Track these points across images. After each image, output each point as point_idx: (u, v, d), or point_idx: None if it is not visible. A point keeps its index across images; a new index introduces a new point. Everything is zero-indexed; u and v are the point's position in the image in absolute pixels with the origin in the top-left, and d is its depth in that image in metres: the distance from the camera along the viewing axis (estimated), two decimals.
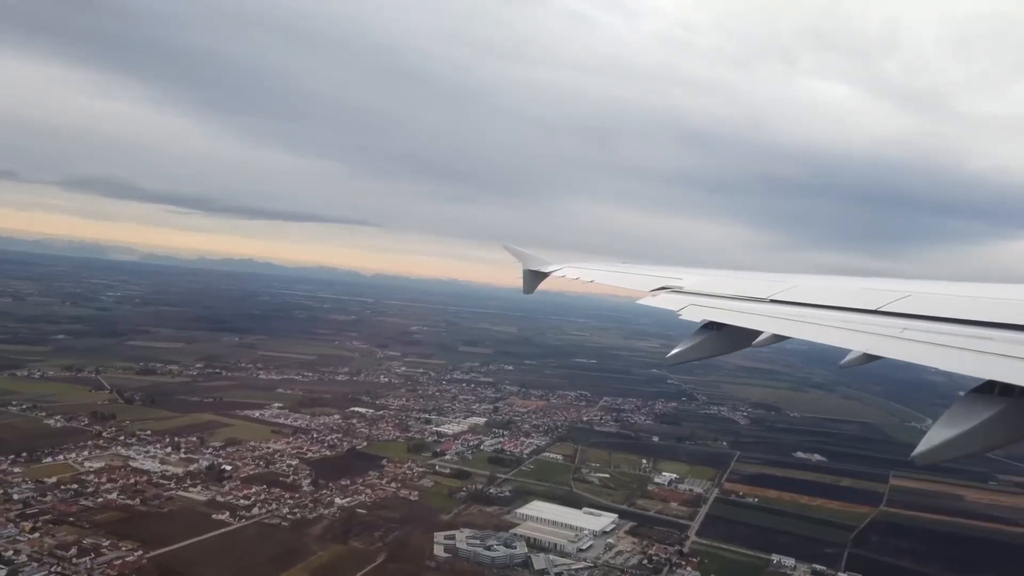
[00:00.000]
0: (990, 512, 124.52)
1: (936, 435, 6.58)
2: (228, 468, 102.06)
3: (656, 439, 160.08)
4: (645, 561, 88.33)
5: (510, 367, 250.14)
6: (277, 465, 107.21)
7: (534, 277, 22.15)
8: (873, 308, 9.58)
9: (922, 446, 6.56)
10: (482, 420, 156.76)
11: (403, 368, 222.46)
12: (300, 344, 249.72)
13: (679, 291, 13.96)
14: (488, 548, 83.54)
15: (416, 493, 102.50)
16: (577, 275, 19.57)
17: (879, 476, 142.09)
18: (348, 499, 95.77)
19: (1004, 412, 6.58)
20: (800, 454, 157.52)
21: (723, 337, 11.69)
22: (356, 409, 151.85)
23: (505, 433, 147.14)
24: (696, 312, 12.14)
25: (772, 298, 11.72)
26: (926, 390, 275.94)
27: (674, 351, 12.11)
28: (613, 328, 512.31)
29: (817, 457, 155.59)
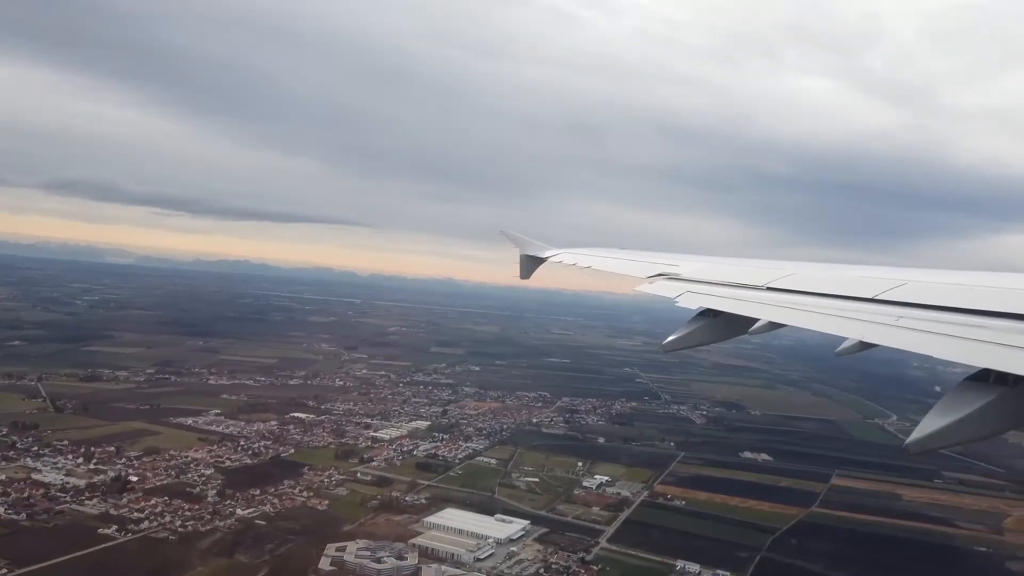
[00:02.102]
0: (925, 512, 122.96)
1: (930, 424, 6.56)
2: (134, 479, 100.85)
3: (602, 440, 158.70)
4: (543, 570, 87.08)
5: (477, 368, 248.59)
6: (189, 475, 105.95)
7: (531, 262, 22.20)
8: (869, 296, 9.63)
9: (915, 434, 6.54)
10: (425, 424, 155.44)
11: (364, 371, 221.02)
12: (266, 347, 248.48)
13: (676, 278, 14.07)
14: (377, 560, 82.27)
15: (326, 502, 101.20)
16: (574, 261, 19.60)
17: (821, 476, 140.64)
18: (251, 510, 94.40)
19: (998, 400, 6.62)
20: (747, 454, 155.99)
21: (719, 324, 11.79)
22: (296, 414, 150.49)
23: (445, 437, 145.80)
24: (693, 299, 12.22)
25: (769, 286, 11.79)
26: (903, 386, 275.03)
27: (670, 338, 12.16)
28: (601, 326, 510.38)
29: (764, 457, 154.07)
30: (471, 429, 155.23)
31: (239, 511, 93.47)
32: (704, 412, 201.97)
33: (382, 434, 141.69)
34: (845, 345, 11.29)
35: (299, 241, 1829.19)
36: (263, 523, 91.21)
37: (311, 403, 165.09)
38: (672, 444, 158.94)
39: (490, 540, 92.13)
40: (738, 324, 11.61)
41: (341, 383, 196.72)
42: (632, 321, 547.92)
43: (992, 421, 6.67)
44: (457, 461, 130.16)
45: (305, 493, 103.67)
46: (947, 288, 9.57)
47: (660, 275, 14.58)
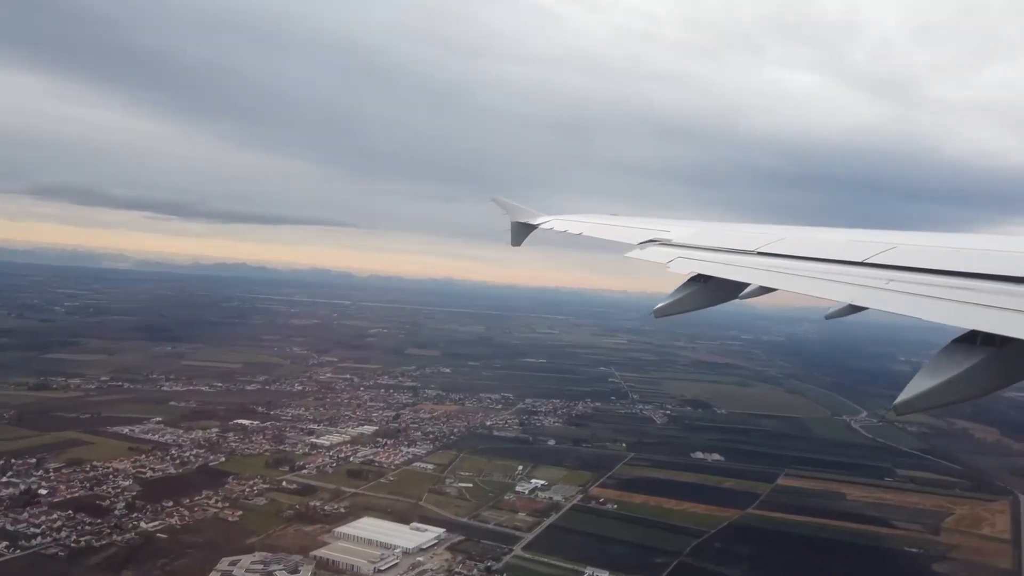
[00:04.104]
0: (865, 512, 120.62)
1: (917, 384, 6.70)
2: (44, 492, 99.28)
3: (552, 443, 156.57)
4: None
5: (447, 370, 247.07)
6: (104, 487, 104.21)
7: (522, 229, 22.21)
8: (859, 260, 9.71)
9: (904, 395, 6.68)
10: (373, 429, 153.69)
11: (328, 374, 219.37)
12: (235, 351, 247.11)
13: (667, 244, 14.07)
14: (269, 574, 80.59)
15: (240, 513, 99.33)
16: (565, 227, 19.70)
17: (768, 475, 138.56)
18: (156, 523, 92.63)
19: (985, 361, 6.76)
20: (698, 454, 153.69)
21: (710, 289, 11.79)
22: (240, 421, 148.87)
23: (388, 442, 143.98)
24: (684, 265, 12.27)
25: (759, 250, 11.78)
26: (884, 381, 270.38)
27: (660, 304, 12.09)
28: (591, 324, 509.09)
29: (715, 457, 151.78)
30: (419, 433, 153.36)
31: (143, 524, 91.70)
32: (668, 411, 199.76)
33: (323, 440, 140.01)
34: (835, 308, 11.61)
35: (299, 243, 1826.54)
36: (165, 536, 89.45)
37: (260, 409, 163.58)
38: (624, 445, 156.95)
39: (397, 550, 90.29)
40: (729, 289, 11.69)
41: (300, 387, 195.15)
42: (625, 319, 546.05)
43: (979, 382, 6.79)
44: (392, 467, 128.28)
45: (220, 504, 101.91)
46: (936, 251, 9.61)
47: (651, 241, 14.48)
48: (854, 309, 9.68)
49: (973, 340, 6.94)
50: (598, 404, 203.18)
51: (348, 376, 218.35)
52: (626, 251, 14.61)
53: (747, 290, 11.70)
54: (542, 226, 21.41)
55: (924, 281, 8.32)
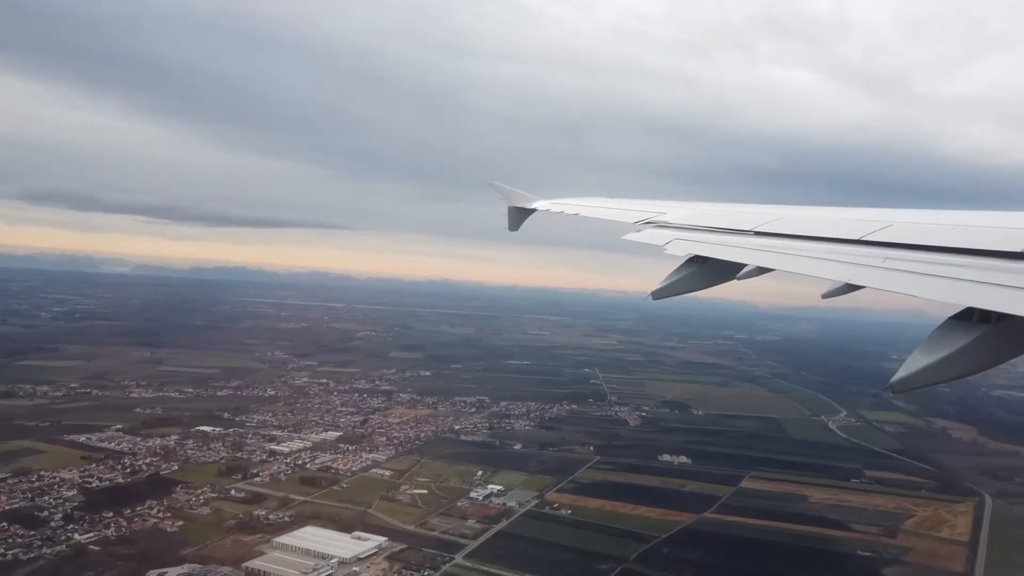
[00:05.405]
0: (824, 515, 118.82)
1: (914, 362, 6.72)
2: None
3: (518, 447, 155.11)
4: None
5: (427, 373, 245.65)
6: (46, 497, 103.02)
7: (519, 214, 22.24)
8: (856, 238, 9.69)
9: (901, 373, 6.69)
10: (336, 434, 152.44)
11: (304, 379, 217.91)
12: (215, 356, 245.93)
13: (664, 225, 14.12)
14: None
15: (180, 523, 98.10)
16: (561, 209, 19.96)
17: (732, 478, 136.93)
18: (91, 534, 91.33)
19: (981, 338, 6.78)
20: (666, 457, 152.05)
21: (707, 271, 11.80)
22: (202, 428, 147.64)
23: (350, 448, 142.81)
24: (681, 246, 12.23)
25: (756, 230, 11.78)
26: (872, 380, 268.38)
27: (657, 287, 12.12)
28: (584, 324, 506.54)
29: (681, 459, 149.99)
30: (383, 439, 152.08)
31: (77, 536, 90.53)
32: (643, 413, 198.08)
33: (283, 447, 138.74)
34: (831, 287, 11.72)
35: (298, 246, 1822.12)
36: (97, 548, 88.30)
37: (226, 415, 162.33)
38: (591, 448, 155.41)
39: (333, 560, 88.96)
40: (726, 270, 11.69)
41: (272, 393, 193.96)
42: (621, 319, 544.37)
43: (975, 358, 6.81)
44: (349, 474, 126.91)
45: (162, 514, 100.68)
46: (932, 228, 9.62)
47: (648, 222, 14.47)
48: (850, 288, 9.67)
49: (969, 317, 6.94)
50: (574, 407, 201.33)
51: (324, 380, 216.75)
52: (623, 232, 14.57)
53: (744, 271, 11.61)
54: (539, 209, 21.39)
55: (920, 258, 8.29)
